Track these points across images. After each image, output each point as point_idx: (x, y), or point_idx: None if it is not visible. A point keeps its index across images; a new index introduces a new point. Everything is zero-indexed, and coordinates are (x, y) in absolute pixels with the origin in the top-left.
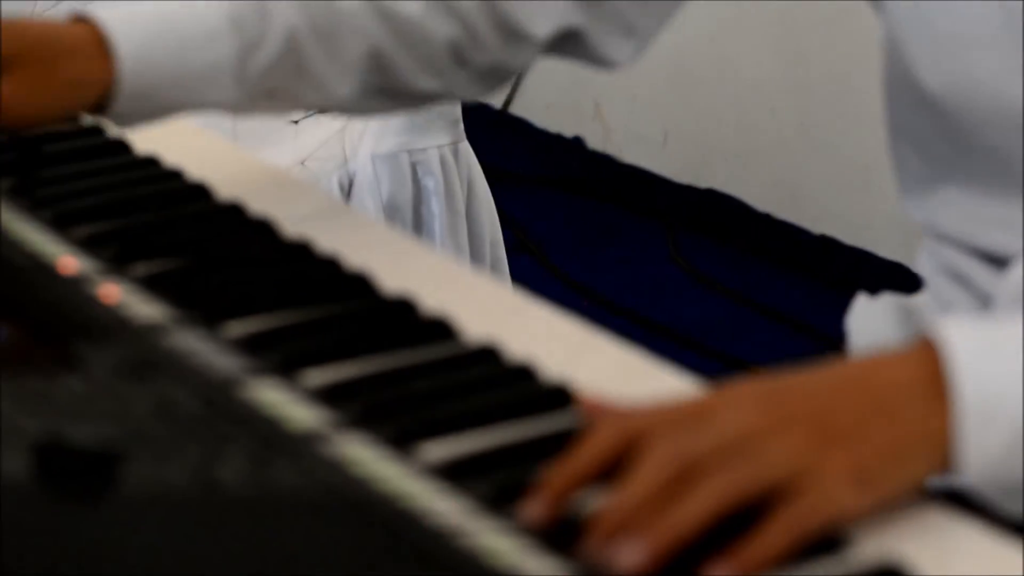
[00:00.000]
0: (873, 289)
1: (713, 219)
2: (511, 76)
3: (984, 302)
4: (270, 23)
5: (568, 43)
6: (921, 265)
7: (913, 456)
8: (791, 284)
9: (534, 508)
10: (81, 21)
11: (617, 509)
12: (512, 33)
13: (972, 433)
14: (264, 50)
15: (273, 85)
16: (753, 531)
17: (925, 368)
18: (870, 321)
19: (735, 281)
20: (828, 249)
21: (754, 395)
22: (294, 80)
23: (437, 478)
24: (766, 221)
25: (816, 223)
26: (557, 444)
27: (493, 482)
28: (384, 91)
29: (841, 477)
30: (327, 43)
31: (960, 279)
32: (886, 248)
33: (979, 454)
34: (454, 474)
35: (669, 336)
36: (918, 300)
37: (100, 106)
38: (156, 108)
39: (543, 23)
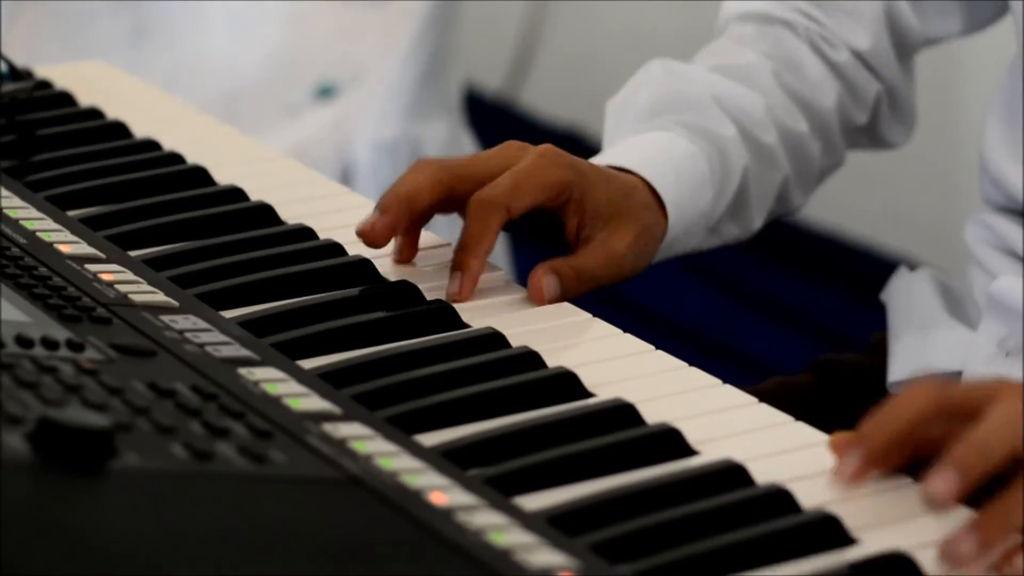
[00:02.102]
0: (876, 285)
1: None
2: (833, 173)
3: None
4: (730, 166)
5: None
6: (969, 237)
7: None
8: (793, 278)
9: (849, 467)
10: (619, 168)
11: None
12: (849, 129)
13: None
14: (727, 194)
15: (716, 224)
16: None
17: None
18: (911, 291)
19: (736, 275)
20: (831, 243)
21: None
22: (729, 219)
23: (440, 461)
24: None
25: (818, 217)
26: (561, 431)
27: (497, 467)
28: (772, 215)
29: None
30: (759, 179)
31: (1010, 252)
32: (889, 242)
33: None
34: (457, 458)
35: (669, 330)
36: (957, 276)
37: None
38: (662, 257)
39: (866, 111)
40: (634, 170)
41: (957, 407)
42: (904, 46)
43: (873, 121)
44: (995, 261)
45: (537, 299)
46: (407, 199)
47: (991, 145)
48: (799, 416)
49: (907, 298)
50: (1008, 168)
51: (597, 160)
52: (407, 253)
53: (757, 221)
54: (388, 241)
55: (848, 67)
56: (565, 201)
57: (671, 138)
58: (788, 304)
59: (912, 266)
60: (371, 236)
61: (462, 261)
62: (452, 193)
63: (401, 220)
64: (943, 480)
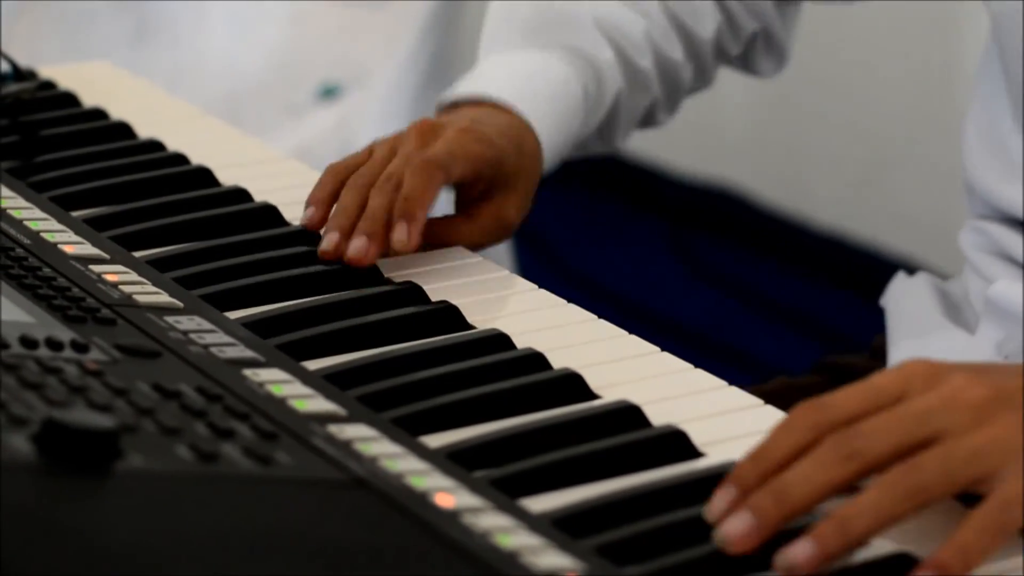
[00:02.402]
0: (880, 287)
1: (718, 215)
2: (698, 92)
3: None
4: (604, 89)
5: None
6: (964, 244)
7: None
8: (797, 280)
9: (721, 504)
10: (490, 106)
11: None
12: (721, 58)
13: None
14: (596, 118)
15: (580, 143)
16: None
17: None
18: (908, 297)
19: (740, 277)
20: (835, 245)
21: (964, 367)
22: (595, 137)
23: (445, 463)
24: (772, 217)
25: (823, 219)
26: (567, 433)
27: (503, 469)
28: (630, 131)
29: None
30: (630, 102)
31: (1007, 258)
32: (893, 244)
33: None
34: (463, 460)
35: (673, 332)
36: (953, 283)
37: None
38: None
39: (740, 44)
40: (510, 105)
41: (841, 422)
42: None
43: (745, 53)
44: (992, 266)
45: (393, 249)
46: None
47: (975, 167)
48: None
49: (905, 303)
50: (990, 180)
51: (478, 74)
52: (372, 255)
53: (621, 139)
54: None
55: (732, 4)
56: (479, 177)
57: (549, 61)
58: (792, 306)
59: (913, 270)
60: (313, 228)
61: (407, 209)
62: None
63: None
64: (799, 549)
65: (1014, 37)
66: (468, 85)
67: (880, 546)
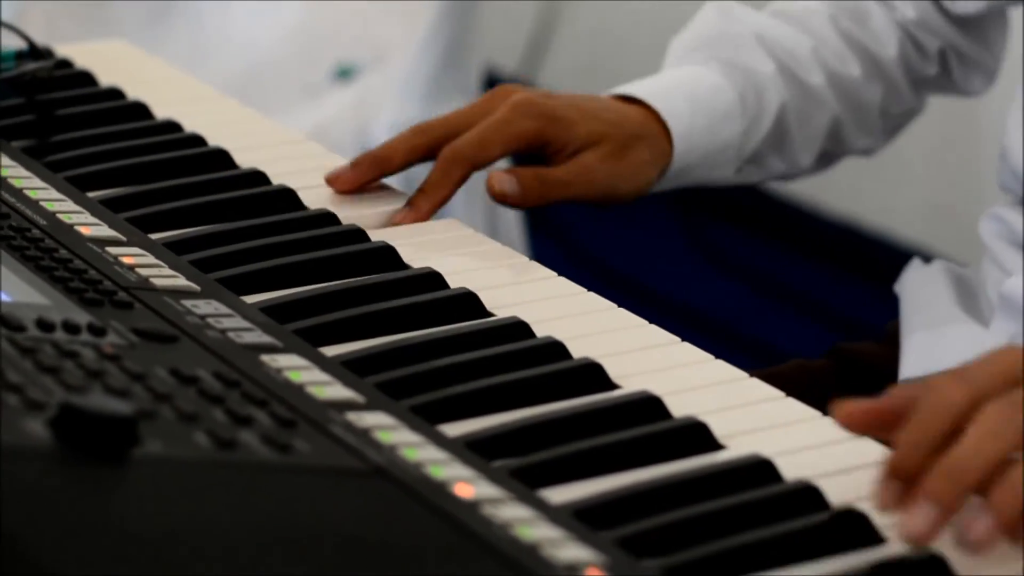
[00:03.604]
0: (894, 274)
1: (732, 202)
2: (911, 120)
3: None
4: (765, 101)
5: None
6: (984, 231)
7: None
8: (811, 268)
9: (889, 498)
10: (627, 100)
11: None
12: (918, 79)
13: None
14: (761, 126)
15: (756, 156)
16: None
17: None
18: (924, 286)
19: (754, 264)
20: (849, 233)
21: None
22: (772, 152)
23: (464, 453)
24: (786, 204)
25: (837, 206)
26: (587, 423)
27: (523, 459)
28: (830, 155)
29: None
30: (802, 117)
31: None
32: (907, 232)
33: None
34: (482, 449)
35: (687, 319)
36: (970, 270)
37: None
38: (676, 184)
39: (934, 63)
40: (643, 99)
41: (987, 396)
42: (954, 14)
43: (945, 73)
44: (1010, 256)
45: (492, 195)
46: (379, 161)
47: (1013, 138)
48: (817, 401)
49: (920, 292)
50: None
51: (624, 89)
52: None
53: (805, 158)
54: (351, 190)
55: (909, 24)
56: (542, 146)
57: (701, 72)
58: (806, 293)
59: (928, 258)
60: (335, 185)
61: (415, 200)
62: (432, 152)
63: (368, 178)
64: (920, 515)
65: None
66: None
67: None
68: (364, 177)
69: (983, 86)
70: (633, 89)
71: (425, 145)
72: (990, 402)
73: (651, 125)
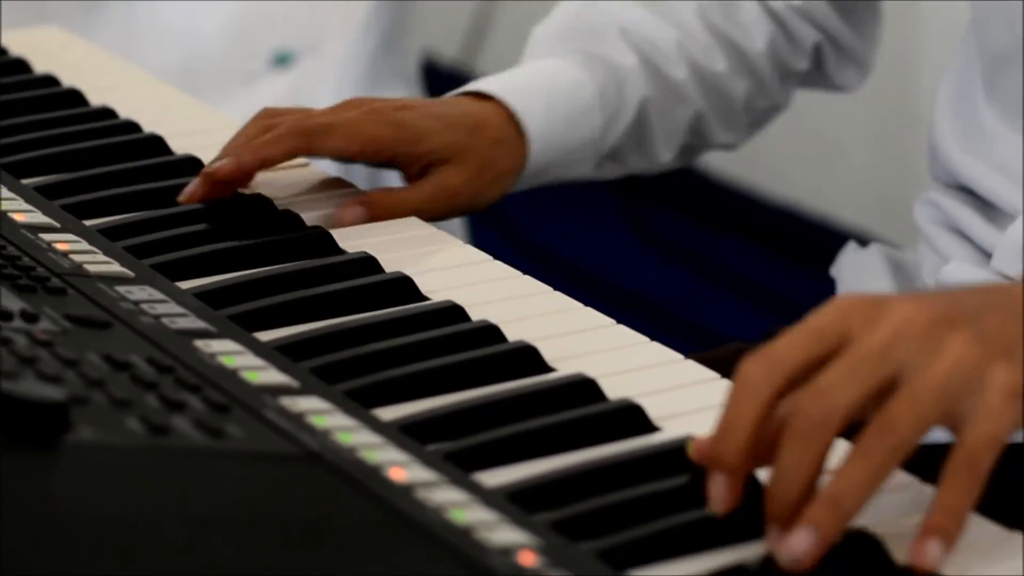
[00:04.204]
0: (833, 258)
1: (673, 186)
2: (776, 116)
3: (983, 255)
4: (626, 96)
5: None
6: (919, 216)
7: None
8: (750, 252)
9: (721, 490)
10: (478, 96)
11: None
12: (787, 74)
13: None
14: (621, 122)
15: (615, 152)
16: (938, 490)
17: None
18: (860, 270)
19: (694, 249)
20: (788, 216)
21: (902, 296)
22: (632, 147)
23: (399, 436)
24: (725, 189)
25: (776, 190)
26: (521, 406)
27: (457, 442)
28: (690, 151)
29: (1009, 396)
30: (663, 113)
31: (959, 232)
32: (847, 216)
33: None
34: (416, 433)
35: (627, 304)
36: (908, 253)
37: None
38: (532, 184)
39: (805, 57)
40: (498, 95)
41: (793, 371)
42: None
43: (818, 67)
44: (945, 241)
45: (336, 224)
46: (262, 161)
47: (941, 134)
48: None
49: (856, 276)
50: (952, 150)
51: (480, 84)
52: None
53: (665, 154)
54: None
55: (784, 13)
56: (390, 158)
57: (561, 66)
58: (746, 277)
59: (865, 241)
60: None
61: (239, 151)
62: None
63: (248, 178)
64: (799, 540)
65: (991, 7)
66: (471, 85)
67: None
68: (245, 178)
69: (857, 81)
70: (489, 85)
71: (300, 149)
72: (794, 401)
73: (507, 128)
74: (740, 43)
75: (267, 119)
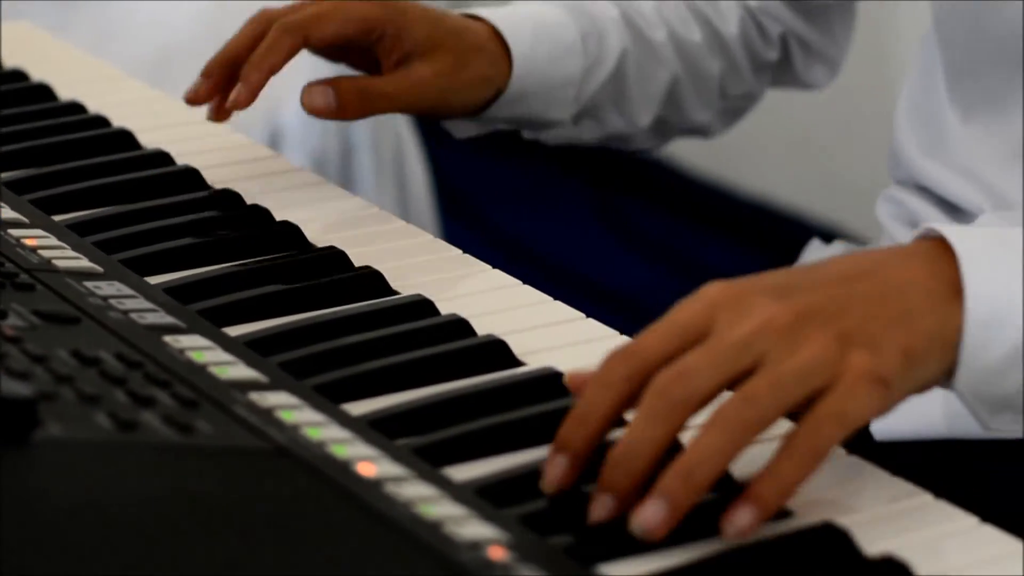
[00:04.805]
0: (801, 250)
1: (644, 180)
2: (750, 107)
3: None
4: (607, 45)
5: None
6: (881, 212)
7: (927, 359)
8: (722, 245)
9: (554, 475)
10: (474, 19)
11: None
12: (759, 64)
13: (977, 340)
14: (601, 71)
15: (594, 105)
16: (772, 457)
17: (935, 267)
18: None
19: (665, 242)
20: (760, 211)
21: (766, 290)
22: (610, 104)
23: (367, 431)
24: (695, 181)
25: (748, 185)
26: (491, 400)
27: (426, 437)
28: (666, 125)
29: (862, 378)
30: (642, 71)
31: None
32: (818, 210)
33: (980, 363)
34: (385, 428)
35: (598, 297)
36: (872, 247)
37: (483, 106)
38: (509, 118)
39: (775, 48)
40: (486, 18)
41: (655, 366)
42: (798, 3)
43: (786, 60)
44: (905, 236)
45: (307, 109)
46: (229, 60)
47: (903, 137)
48: None
49: None
50: (913, 152)
51: (469, 10)
52: (222, 114)
53: (643, 116)
54: (211, 99)
55: (752, 6)
56: (378, 38)
57: (546, 7)
58: (717, 270)
59: (836, 236)
60: (195, 100)
61: (245, 73)
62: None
63: (222, 80)
64: (651, 512)
65: (953, 11)
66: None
67: (811, 517)
68: (219, 81)
69: (826, 79)
70: (478, 12)
71: (266, 27)
72: (653, 382)
73: (492, 42)
74: (715, 23)
75: (260, 24)
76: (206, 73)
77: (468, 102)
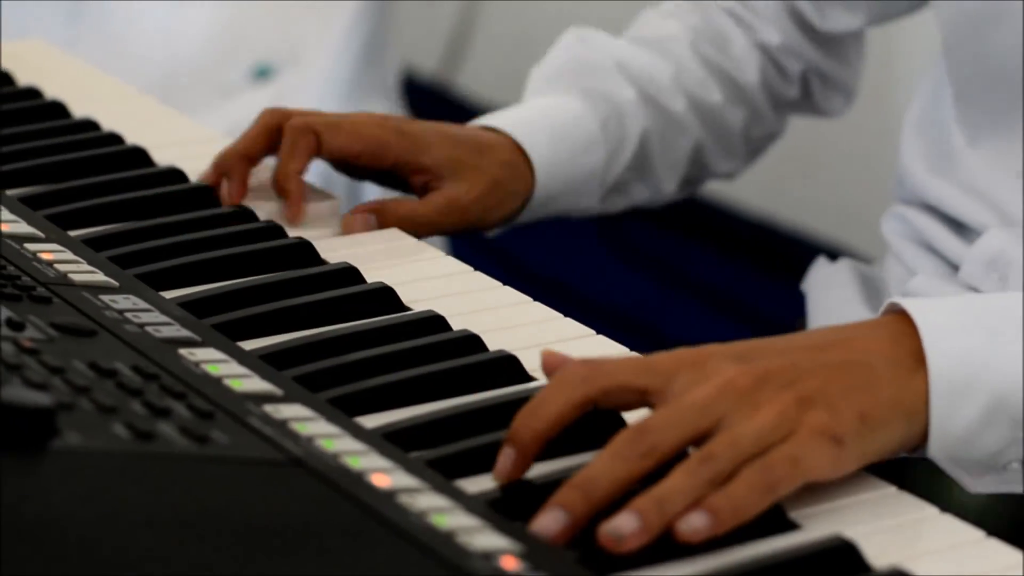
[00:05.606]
0: (805, 270)
1: None
2: (772, 143)
3: (950, 268)
4: (627, 128)
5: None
6: (886, 230)
7: (886, 425)
8: (723, 263)
9: (503, 466)
10: (490, 130)
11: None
12: (780, 102)
13: (944, 407)
14: (624, 153)
15: (620, 183)
16: (725, 483)
17: (898, 340)
18: (830, 285)
19: (666, 260)
20: (761, 229)
21: (729, 354)
22: (636, 179)
23: (381, 443)
24: (698, 201)
25: (750, 203)
26: (502, 414)
27: (439, 450)
28: (693, 180)
29: (817, 434)
30: (664, 144)
31: (927, 246)
32: (819, 229)
33: (951, 428)
34: (399, 440)
35: (599, 314)
36: (876, 267)
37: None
38: (542, 217)
39: (796, 86)
40: (503, 129)
41: (609, 398)
42: (817, 36)
43: (806, 95)
44: (912, 254)
45: (346, 231)
46: (243, 158)
47: (910, 156)
48: None
49: (826, 290)
50: (920, 171)
51: (484, 120)
52: (240, 193)
53: (668, 185)
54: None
55: (771, 48)
56: (393, 164)
57: (564, 101)
58: (718, 289)
59: (839, 255)
60: (227, 201)
61: (281, 187)
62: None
63: (247, 176)
64: (624, 520)
65: (960, 37)
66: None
67: (821, 528)
68: (244, 179)
69: (843, 106)
70: (493, 120)
71: (277, 124)
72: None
73: (515, 154)
74: (734, 75)
75: (271, 118)
76: (221, 168)
77: (503, 216)
